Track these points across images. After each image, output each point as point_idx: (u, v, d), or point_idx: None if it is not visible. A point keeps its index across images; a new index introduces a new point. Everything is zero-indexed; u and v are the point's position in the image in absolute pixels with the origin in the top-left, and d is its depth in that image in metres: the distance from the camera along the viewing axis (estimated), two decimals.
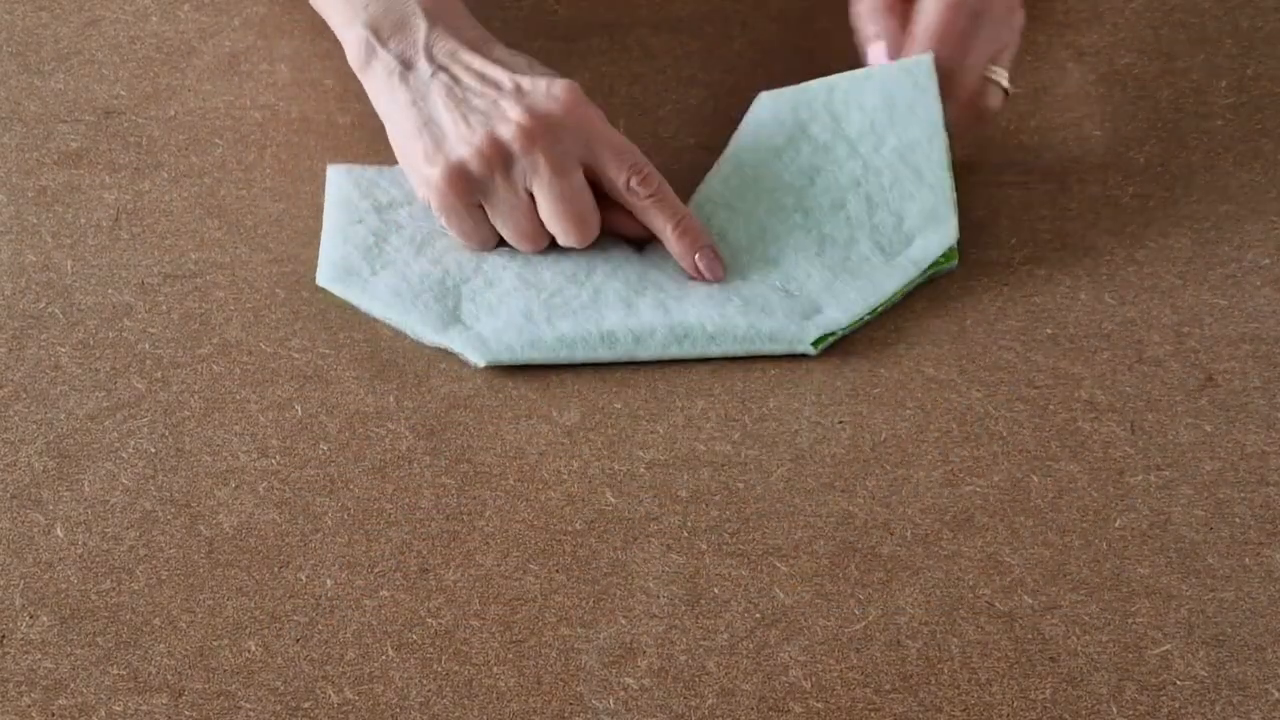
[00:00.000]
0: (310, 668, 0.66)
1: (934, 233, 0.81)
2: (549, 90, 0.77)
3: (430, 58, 0.79)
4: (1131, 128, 0.89)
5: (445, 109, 0.77)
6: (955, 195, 0.81)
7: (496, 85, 0.78)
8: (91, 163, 0.88)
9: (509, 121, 0.76)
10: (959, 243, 0.81)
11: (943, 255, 0.80)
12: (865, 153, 0.83)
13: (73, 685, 0.65)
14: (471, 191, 0.77)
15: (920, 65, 0.82)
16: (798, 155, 0.83)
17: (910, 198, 0.81)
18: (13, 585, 0.69)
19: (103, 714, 0.64)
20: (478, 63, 0.79)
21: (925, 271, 0.80)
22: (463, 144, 0.76)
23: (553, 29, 0.96)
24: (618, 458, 0.73)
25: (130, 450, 0.74)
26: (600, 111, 0.78)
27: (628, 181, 0.77)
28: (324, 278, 0.81)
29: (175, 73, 0.93)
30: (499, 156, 0.76)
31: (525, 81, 0.78)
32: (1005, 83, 0.83)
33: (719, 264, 0.79)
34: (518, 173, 0.77)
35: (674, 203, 0.78)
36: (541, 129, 0.76)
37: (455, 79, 0.78)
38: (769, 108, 0.85)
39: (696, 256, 0.79)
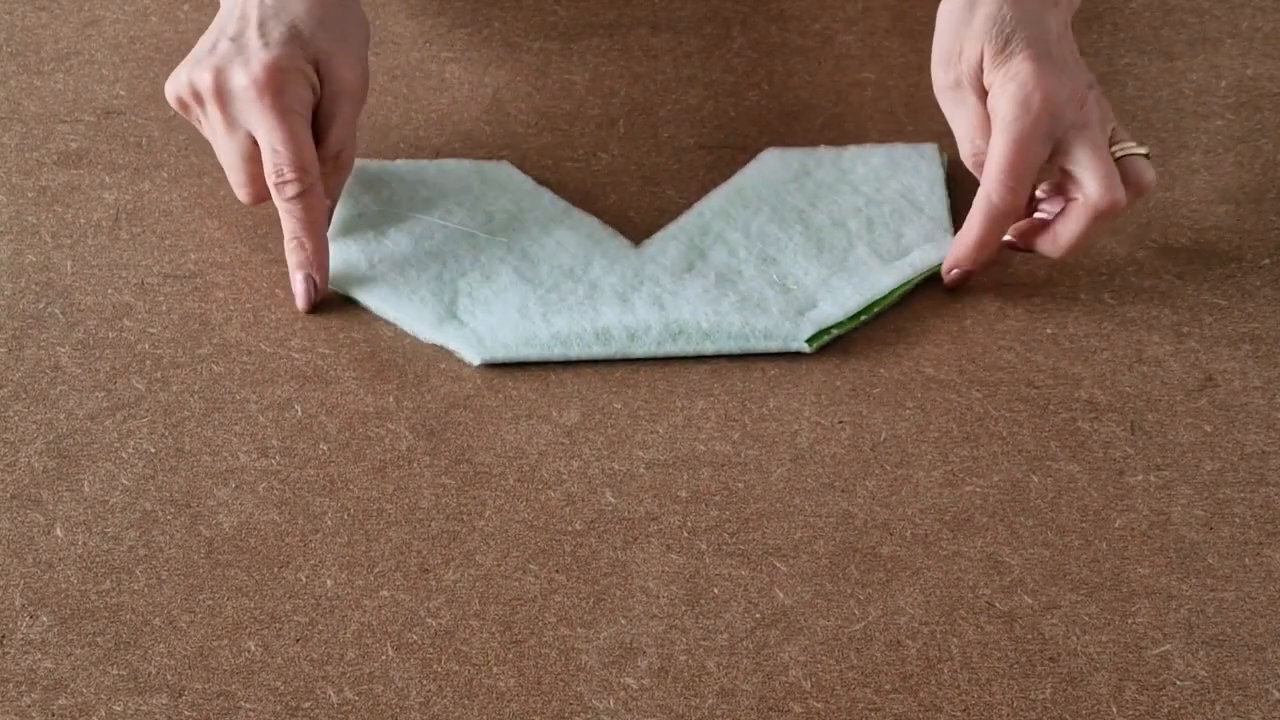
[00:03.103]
0: (310, 668, 0.66)
1: (933, 249, 0.81)
2: (249, 63, 0.78)
3: None
4: (1131, 128, 0.89)
5: (228, 30, 0.80)
6: (954, 231, 0.82)
7: (237, 37, 0.80)
8: (91, 163, 0.88)
9: (207, 72, 0.79)
10: None
11: (941, 261, 0.81)
12: (868, 191, 0.84)
13: (73, 685, 0.65)
14: (184, 109, 0.82)
15: (927, 147, 0.86)
16: (801, 188, 0.84)
17: (910, 222, 0.82)
18: (13, 585, 0.69)
19: (103, 714, 0.64)
20: (254, 13, 0.80)
21: (923, 273, 0.80)
22: (190, 69, 0.80)
23: (553, 29, 0.96)
24: (618, 458, 0.73)
25: (130, 450, 0.74)
26: (295, 104, 0.79)
27: (272, 179, 0.79)
28: None
29: None
30: (194, 97, 0.80)
31: (253, 42, 0.79)
32: (1141, 150, 0.77)
33: (305, 295, 0.79)
34: (205, 115, 0.81)
35: (303, 218, 0.79)
36: (220, 90, 0.79)
37: (245, 17, 0.81)
38: (775, 156, 0.86)
39: (294, 279, 0.80)
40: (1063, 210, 0.77)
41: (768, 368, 0.77)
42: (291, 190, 0.78)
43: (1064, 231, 0.77)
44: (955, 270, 0.79)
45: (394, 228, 0.83)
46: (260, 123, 0.78)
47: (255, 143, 0.79)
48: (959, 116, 0.79)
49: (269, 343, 0.79)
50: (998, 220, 0.77)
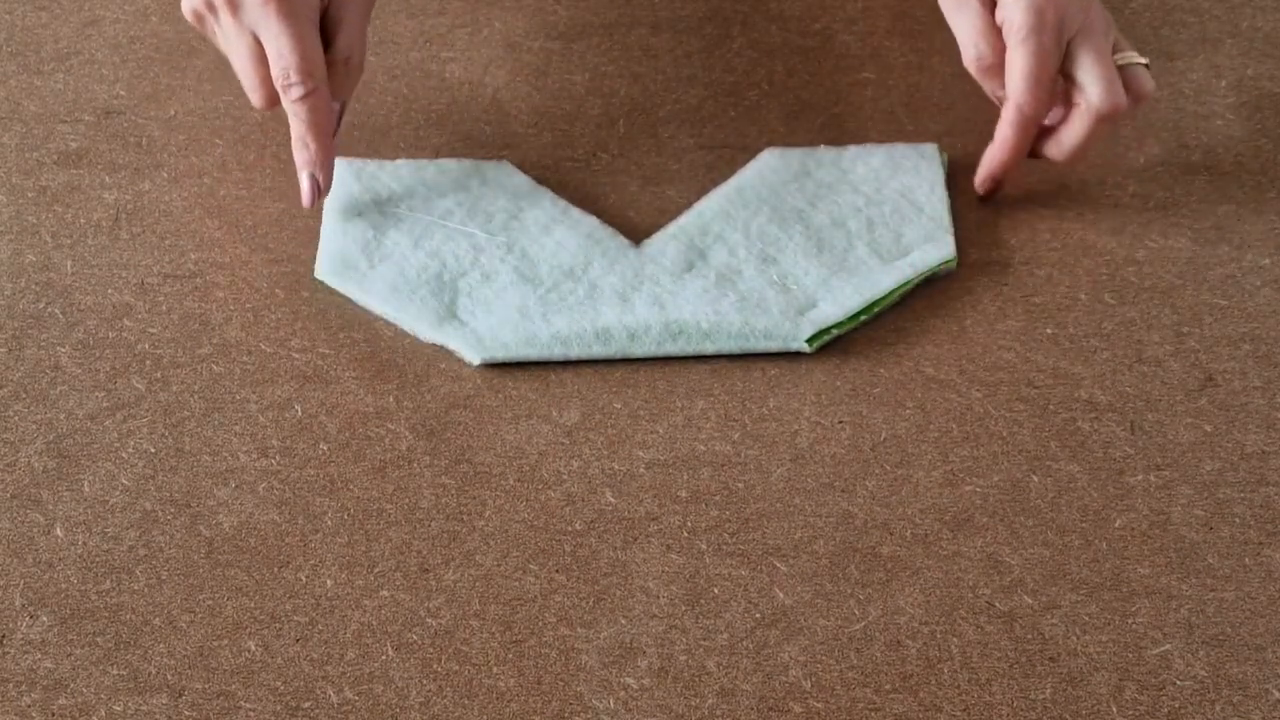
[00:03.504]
0: (310, 668, 0.66)
1: (933, 249, 0.81)
2: None
3: None
4: (1131, 128, 0.89)
5: None
6: (954, 231, 0.82)
7: None
8: (91, 163, 0.88)
9: None
10: (958, 242, 0.82)
11: (941, 262, 0.81)
12: (868, 191, 0.84)
13: (73, 685, 0.65)
14: (200, 21, 0.83)
15: (927, 146, 0.86)
16: (801, 188, 0.84)
17: (909, 222, 0.83)
18: (13, 585, 0.69)
19: (103, 714, 0.64)
20: None
21: (923, 273, 0.80)
22: None
23: (553, 29, 0.96)
24: (618, 458, 0.73)
25: (130, 450, 0.74)
26: (300, 8, 0.79)
27: (279, 81, 0.80)
28: (322, 271, 0.81)
29: (175, 73, 0.93)
30: (207, 7, 0.81)
31: None
32: (1142, 60, 0.83)
33: (309, 192, 0.81)
34: (219, 24, 0.82)
35: (308, 119, 0.81)
36: None
37: None
38: (775, 156, 0.86)
39: (300, 177, 0.82)
40: (1066, 115, 0.81)
41: (768, 368, 0.77)
42: (296, 93, 0.80)
43: (1068, 136, 0.81)
44: (990, 180, 0.83)
45: (394, 228, 0.83)
46: (266, 27, 0.79)
47: (263, 47, 0.81)
48: (961, 22, 0.82)
49: (269, 343, 0.79)
50: (1027, 127, 0.81)
